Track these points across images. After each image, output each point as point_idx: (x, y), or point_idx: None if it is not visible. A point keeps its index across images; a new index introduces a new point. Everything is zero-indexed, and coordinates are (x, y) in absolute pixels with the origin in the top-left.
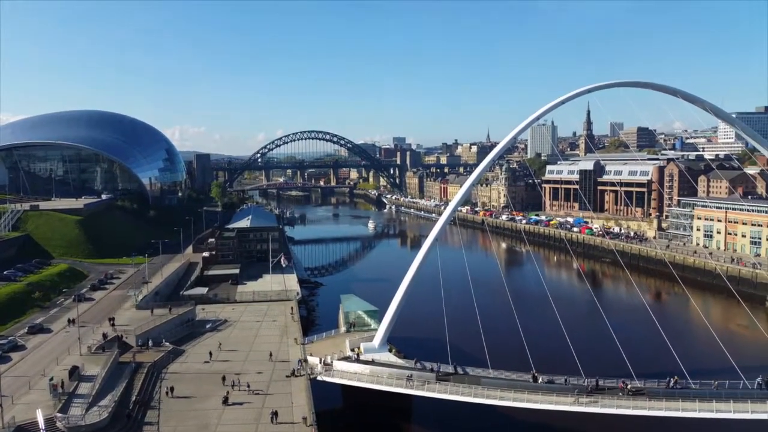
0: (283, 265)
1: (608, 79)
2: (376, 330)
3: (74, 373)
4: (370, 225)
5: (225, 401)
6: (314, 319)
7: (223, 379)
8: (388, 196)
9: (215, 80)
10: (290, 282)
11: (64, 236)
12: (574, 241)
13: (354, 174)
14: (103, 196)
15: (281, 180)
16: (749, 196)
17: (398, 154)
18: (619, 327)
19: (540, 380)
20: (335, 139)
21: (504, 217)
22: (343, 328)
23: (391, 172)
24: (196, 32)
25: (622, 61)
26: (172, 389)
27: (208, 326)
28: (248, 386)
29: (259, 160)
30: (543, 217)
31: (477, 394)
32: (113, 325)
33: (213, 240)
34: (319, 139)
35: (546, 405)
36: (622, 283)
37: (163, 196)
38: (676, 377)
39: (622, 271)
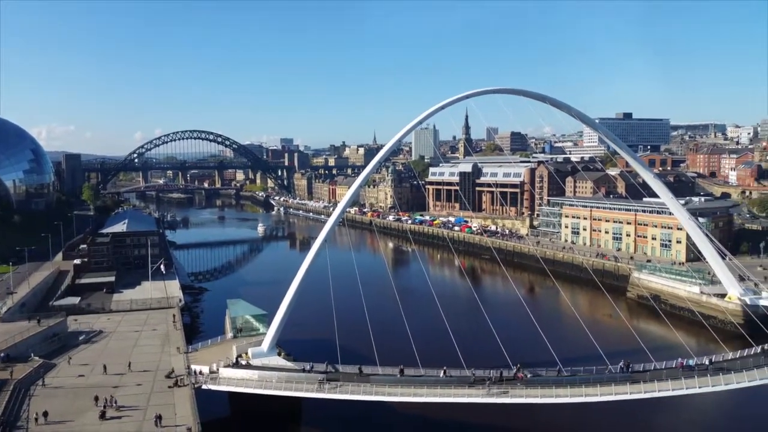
0: (163, 272)
1: (484, 86)
2: (264, 334)
3: None
4: (260, 228)
5: (102, 416)
6: (199, 326)
7: (96, 399)
8: (277, 197)
9: (85, 75)
10: (172, 288)
11: None
12: (456, 239)
13: (240, 175)
14: None
15: (161, 182)
16: (611, 196)
17: (286, 155)
18: (497, 320)
19: (443, 374)
20: (220, 140)
21: (391, 217)
22: (230, 334)
23: (279, 173)
24: (57, 23)
25: (497, 69)
26: (45, 414)
27: (81, 338)
28: (115, 402)
29: (136, 160)
30: (427, 217)
31: (366, 392)
32: None
33: (85, 246)
34: (202, 138)
35: (452, 398)
36: (499, 278)
37: (29, 200)
38: (519, 365)
39: (499, 266)
